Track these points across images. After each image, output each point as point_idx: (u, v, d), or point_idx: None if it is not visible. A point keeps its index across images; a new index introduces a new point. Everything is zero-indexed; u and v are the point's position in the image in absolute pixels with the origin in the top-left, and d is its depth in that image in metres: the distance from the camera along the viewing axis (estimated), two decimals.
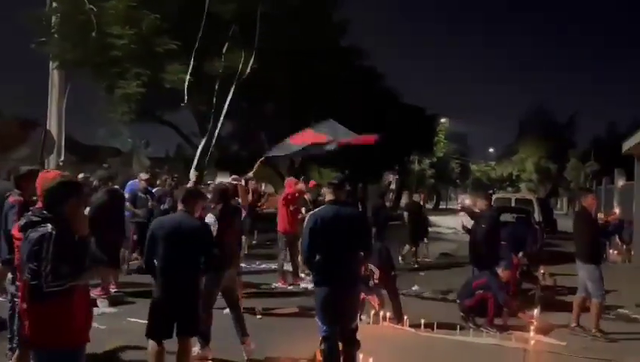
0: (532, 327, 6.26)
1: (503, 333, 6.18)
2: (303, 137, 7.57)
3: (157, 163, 22.06)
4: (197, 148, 14.24)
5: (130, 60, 12.91)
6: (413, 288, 8.93)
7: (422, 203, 13.43)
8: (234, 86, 12.68)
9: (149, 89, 13.29)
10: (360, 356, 4.81)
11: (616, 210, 7.07)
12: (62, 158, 12.61)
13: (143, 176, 9.68)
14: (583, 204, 6.91)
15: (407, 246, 12.18)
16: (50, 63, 12.85)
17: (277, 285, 8.76)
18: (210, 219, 5.20)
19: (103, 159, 16.63)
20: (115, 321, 6.16)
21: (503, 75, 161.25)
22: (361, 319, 6.46)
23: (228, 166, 16.34)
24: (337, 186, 4.52)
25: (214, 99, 12.95)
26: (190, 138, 18.99)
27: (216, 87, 12.83)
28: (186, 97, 12.66)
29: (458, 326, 6.30)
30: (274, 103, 17.53)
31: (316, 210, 4.68)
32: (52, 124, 12.55)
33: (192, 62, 12.31)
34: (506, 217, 12.02)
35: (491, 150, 66.73)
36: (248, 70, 12.84)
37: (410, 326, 6.31)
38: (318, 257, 4.23)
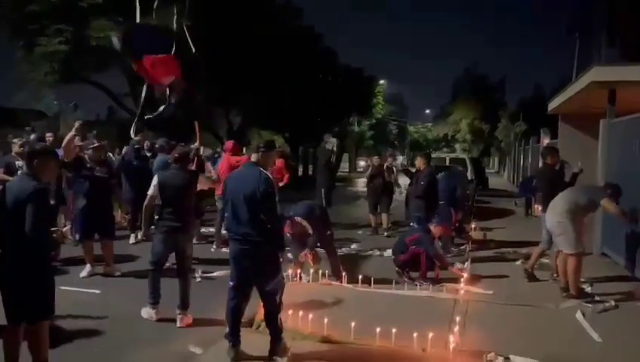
0: (462, 279, 6.61)
1: (436, 286, 6.49)
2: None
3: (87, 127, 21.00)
4: (129, 110, 13.58)
5: (51, 16, 12.01)
6: (352, 246, 9.18)
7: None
8: (174, 44, 11.97)
9: (74, 47, 12.45)
10: (300, 312, 4.91)
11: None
12: None
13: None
14: (547, 162, 7.27)
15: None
16: None
17: (215, 248, 8.74)
18: (154, 182, 5.29)
19: (25, 122, 15.58)
20: None
21: (439, 37, 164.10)
22: (301, 278, 6.60)
23: (162, 128, 15.75)
24: (266, 149, 4.39)
25: None
26: (121, 100, 18.11)
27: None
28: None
29: (394, 281, 6.55)
30: (209, 63, 16.97)
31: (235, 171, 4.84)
32: None
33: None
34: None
35: (428, 111, 68.44)
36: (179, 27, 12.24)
37: (349, 282, 6.49)
38: (227, 214, 4.31)
